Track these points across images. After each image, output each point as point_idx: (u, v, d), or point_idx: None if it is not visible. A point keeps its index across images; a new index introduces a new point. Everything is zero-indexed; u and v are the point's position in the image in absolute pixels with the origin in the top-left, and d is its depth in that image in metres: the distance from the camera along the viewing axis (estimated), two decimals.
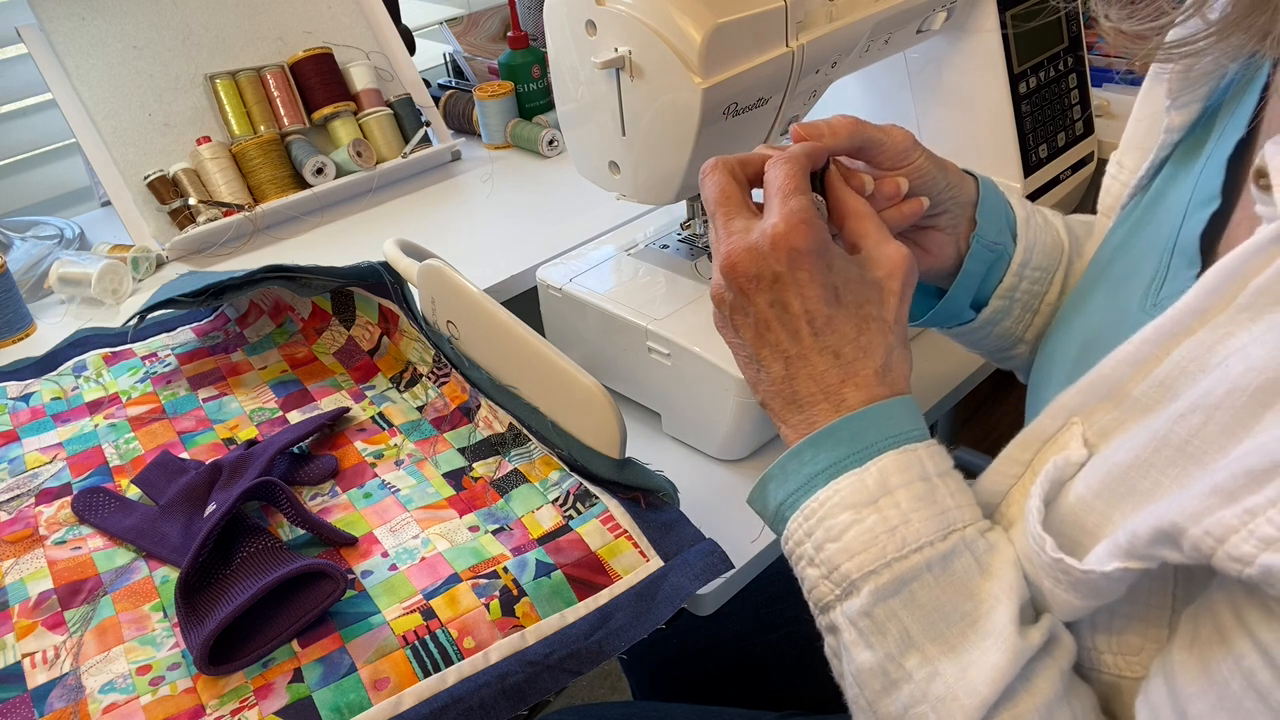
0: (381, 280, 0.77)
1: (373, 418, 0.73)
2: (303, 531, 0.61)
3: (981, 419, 1.82)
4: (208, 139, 1.05)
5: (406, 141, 1.13)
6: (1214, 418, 0.38)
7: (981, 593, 0.45)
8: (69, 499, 0.65)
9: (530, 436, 0.68)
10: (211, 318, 0.86)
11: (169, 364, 0.81)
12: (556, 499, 0.64)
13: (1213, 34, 0.42)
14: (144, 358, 0.82)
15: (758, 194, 0.55)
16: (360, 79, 1.13)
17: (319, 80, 1.10)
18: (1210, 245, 0.47)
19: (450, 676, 0.52)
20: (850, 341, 0.49)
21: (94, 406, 0.76)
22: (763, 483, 0.51)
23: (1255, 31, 0.41)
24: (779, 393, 0.51)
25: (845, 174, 0.55)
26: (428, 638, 0.54)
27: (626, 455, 0.64)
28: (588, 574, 0.58)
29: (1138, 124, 0.58)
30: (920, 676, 0.44)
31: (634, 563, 0.59)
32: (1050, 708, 0.43)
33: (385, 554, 0.60)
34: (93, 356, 0.82)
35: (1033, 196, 0.96)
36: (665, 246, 0.82)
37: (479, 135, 1.25)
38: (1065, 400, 0.45)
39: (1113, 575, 0.40)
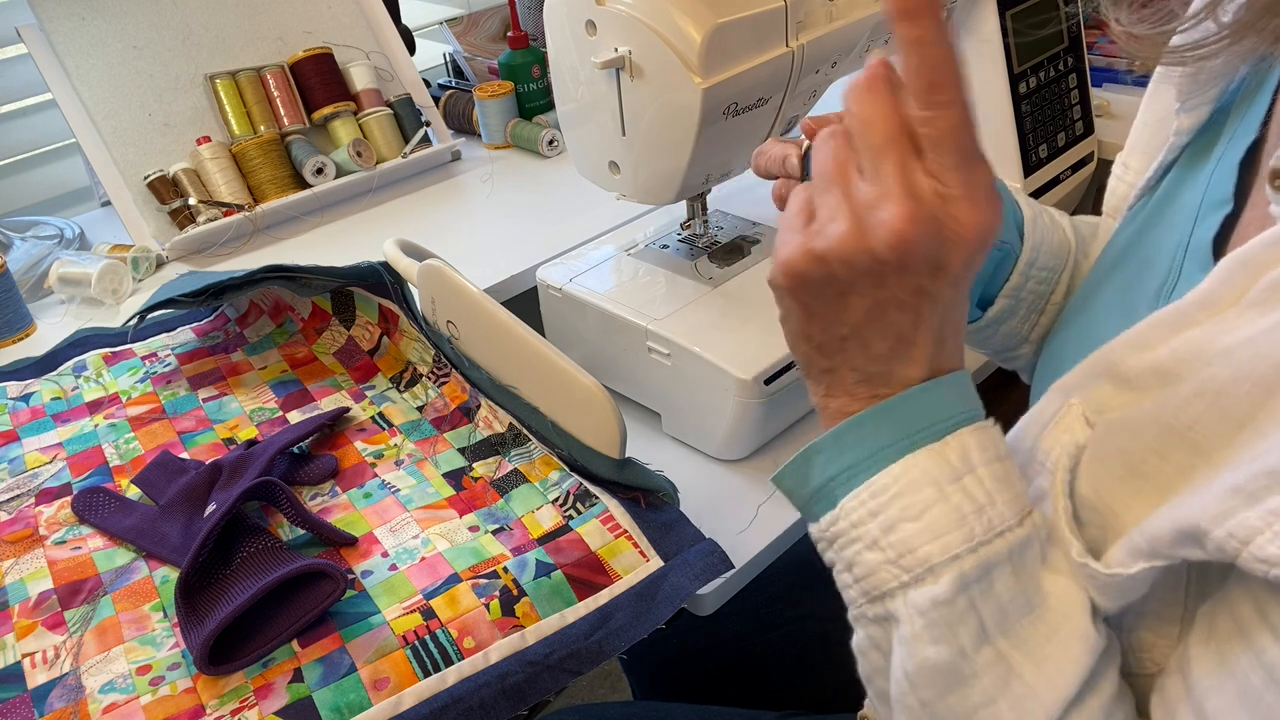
0: (381, 280, 0.77)
1: (373, 418, 0.73)
2: (303, 531, 0.61)
3: None
4: (208, 139, 1.05)
5: (406, 141, 1.13)
6: (1217, 404, 0.37)
7: (1046, 584, 0.43)
8: (69, 499, 0.65)
9: (530, 436, 0.68)
10: (211, 318, 0.86)
11: (169, 364, 0.81)
12: (556, 499, 0.64)
13: (1225, 37, 0.42)
14: (144, 358, 0.82)
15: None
16: (360, 79, 1.13)
17: (319, 80, 1.10)
18: (1221, 248, 0.47)
19: (450, 676, 0.52)
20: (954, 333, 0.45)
21: (94, 406, 0.76)
22: (805, 456, 0.45)
23: (1269, 34, 0.40)
24: (866, 370, 0.44)
25: None
26: (428, 638, 0.54)
27: (626, 455, 0.64)
28: (588, 574, 0.58)
29: (1144, 126, 0.58)
30: (995, 673, 0.41)
31: (634, 563, 0.59)
32: (1112, 704, 0.41)
33: (385, 554, 0.60)
34: (93, 356, 0.82)
35: (1032, 196, 0.96)
36: (665, 246, 0.82)
37: (479, 135, 1.25)
38: (1064, 382, 0.45)
39: (1138, 576, 0.39)
